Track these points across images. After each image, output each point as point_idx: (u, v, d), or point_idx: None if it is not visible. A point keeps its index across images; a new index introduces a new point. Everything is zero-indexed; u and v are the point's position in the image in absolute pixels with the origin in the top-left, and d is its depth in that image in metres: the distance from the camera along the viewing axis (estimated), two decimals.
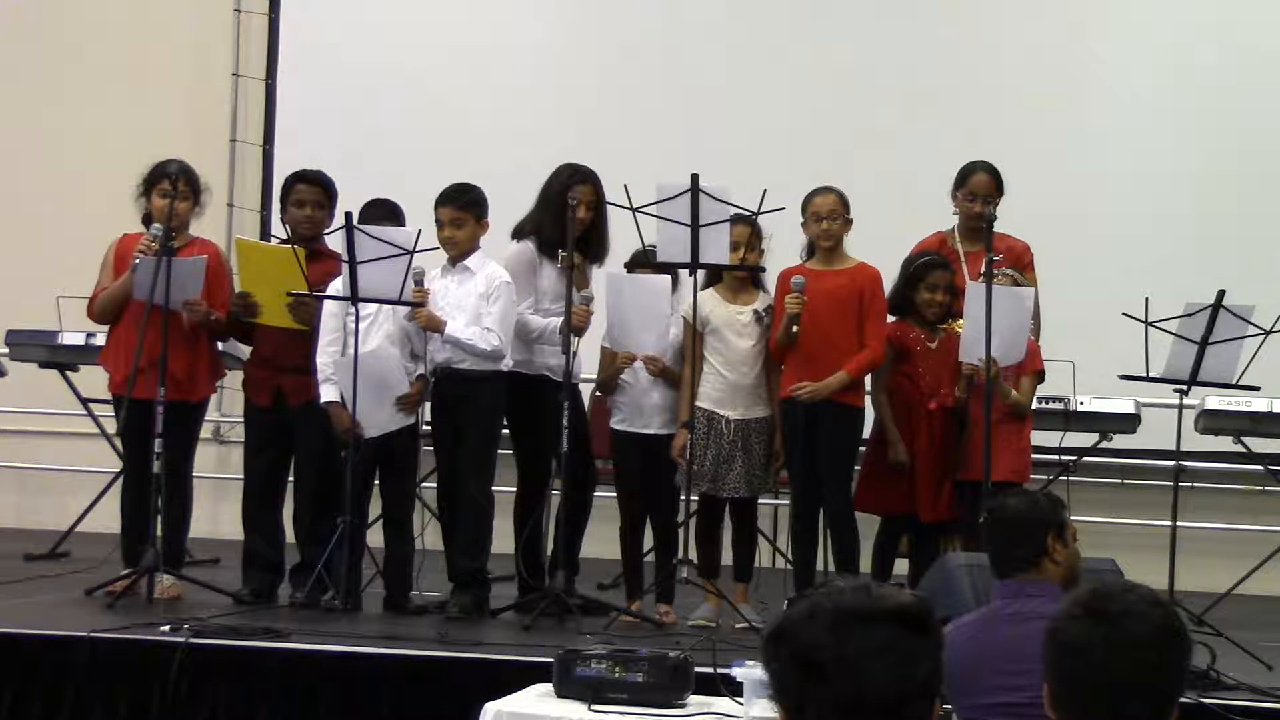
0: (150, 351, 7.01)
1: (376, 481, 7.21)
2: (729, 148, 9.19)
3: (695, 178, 6.93)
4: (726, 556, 7.36)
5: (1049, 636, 2.73)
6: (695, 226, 6.91)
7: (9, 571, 7.89)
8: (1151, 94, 9.40)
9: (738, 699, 4.92)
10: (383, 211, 7.34)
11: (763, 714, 4.70)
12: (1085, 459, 8.66)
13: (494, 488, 7.19)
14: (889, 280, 7.30)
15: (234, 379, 8.27)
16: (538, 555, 7.34)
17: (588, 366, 7.52)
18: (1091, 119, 9.48)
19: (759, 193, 6.85)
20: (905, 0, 9.80)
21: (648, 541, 7.46)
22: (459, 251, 7.15)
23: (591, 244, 7.32)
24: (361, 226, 6.89)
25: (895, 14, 9.74)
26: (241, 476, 7.56)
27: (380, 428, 7.02)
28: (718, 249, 6.99)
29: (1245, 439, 8.44)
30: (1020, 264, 7.33)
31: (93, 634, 6.09)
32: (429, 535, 7.60)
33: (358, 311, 6.98)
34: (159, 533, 7.00)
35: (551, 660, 5.13)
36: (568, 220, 7.05)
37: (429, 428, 7.45)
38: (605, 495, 7.62)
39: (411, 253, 6.81)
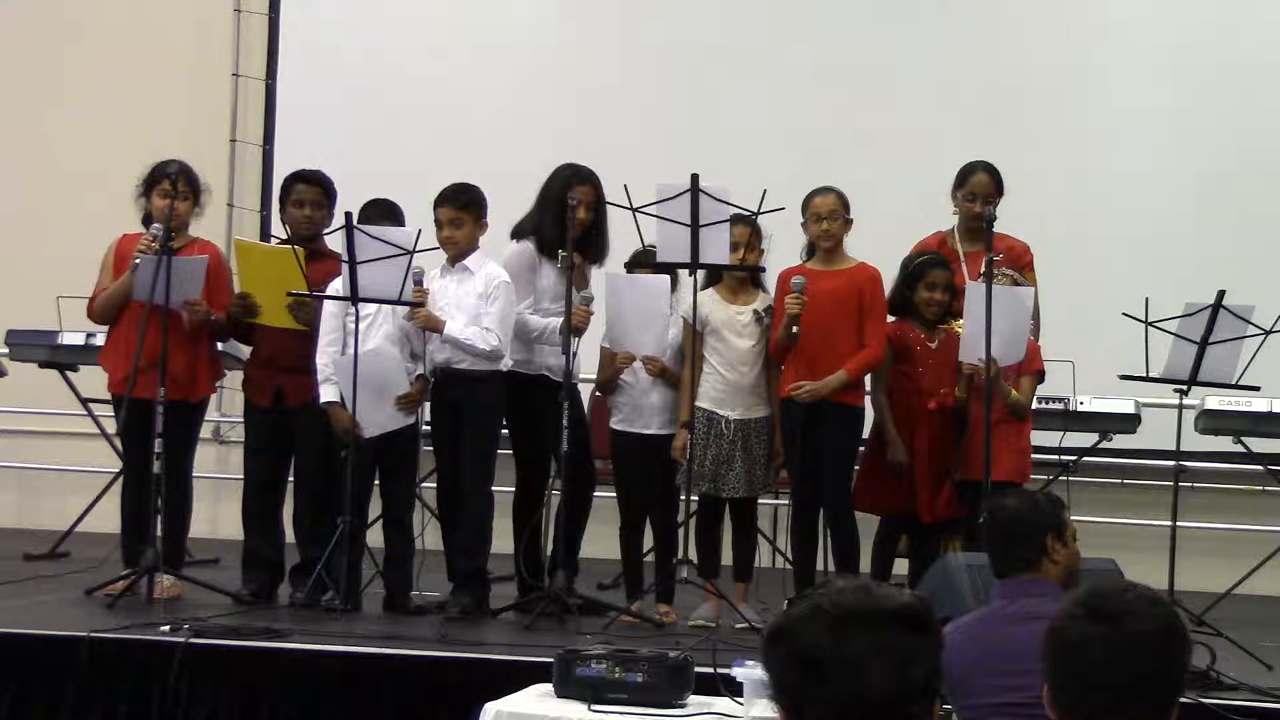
0: (150, 351, 7.01)
1: (376, 481, 7.21)
2: (729, 148, 9.19)
3: (695, 178, 6.93)
4: (726, 556, 7.36)
5: (1049, 636, 2.73)
6: (695, 226, 6.91)
7: (9, 571, 7.89)
8: (1151, 94, 9.40)
9: (738, 699, 4.92)
10: (382, 211, 7.34)
11: (763, 714, 4.70)
12: (1085, 459, 8.66)
13: (494, 488, 7.19)
14: (889, 280, 7.30)
15: (234, 379, 8.27)
16: (538, 555, 7.34)
17: (587, 366, 7.52)
18: (1091, 119, 9.47)
19: (759, 193, 6.85)
20: (905, 0, 9.80)
21: (648, 541, 7.47)
22: (458, 251, 7.15)
23: (591, 244, 7.32)
24: (361, 226, 6.89)
25: (895, 14, 9.74)
26: (241, 476, 7.56)
27: (380, 427, 7.01)
28: (717, 249, 6.99)
29: (1245, 439, 8.45)
30: (1020, 264, 7.33)
31: (93, 634, 6.08)
32: (429, 535, 7.59)
33: (357, 311, 6.98)
34: (159, 533, 7.00)
35: (551, 660, 5.13)
36: (567, 220, 7.05)
37: (429, 428, 7.46)
38: (605, 495, 7.62)
39: (411, 253, 6.81)
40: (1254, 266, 8.62)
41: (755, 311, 7.27)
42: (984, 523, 4.72)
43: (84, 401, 9.06)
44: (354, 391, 6.86)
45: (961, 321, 7.02)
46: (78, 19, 10.60)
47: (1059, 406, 8.36)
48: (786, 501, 7.78)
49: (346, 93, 10.06)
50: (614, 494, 7.51)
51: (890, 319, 7.30)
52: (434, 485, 7.47)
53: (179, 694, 5.91)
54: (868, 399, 7.35)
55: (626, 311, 7.11)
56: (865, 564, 7.22)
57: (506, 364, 7.12)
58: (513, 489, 7.36)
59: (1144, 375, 7.01)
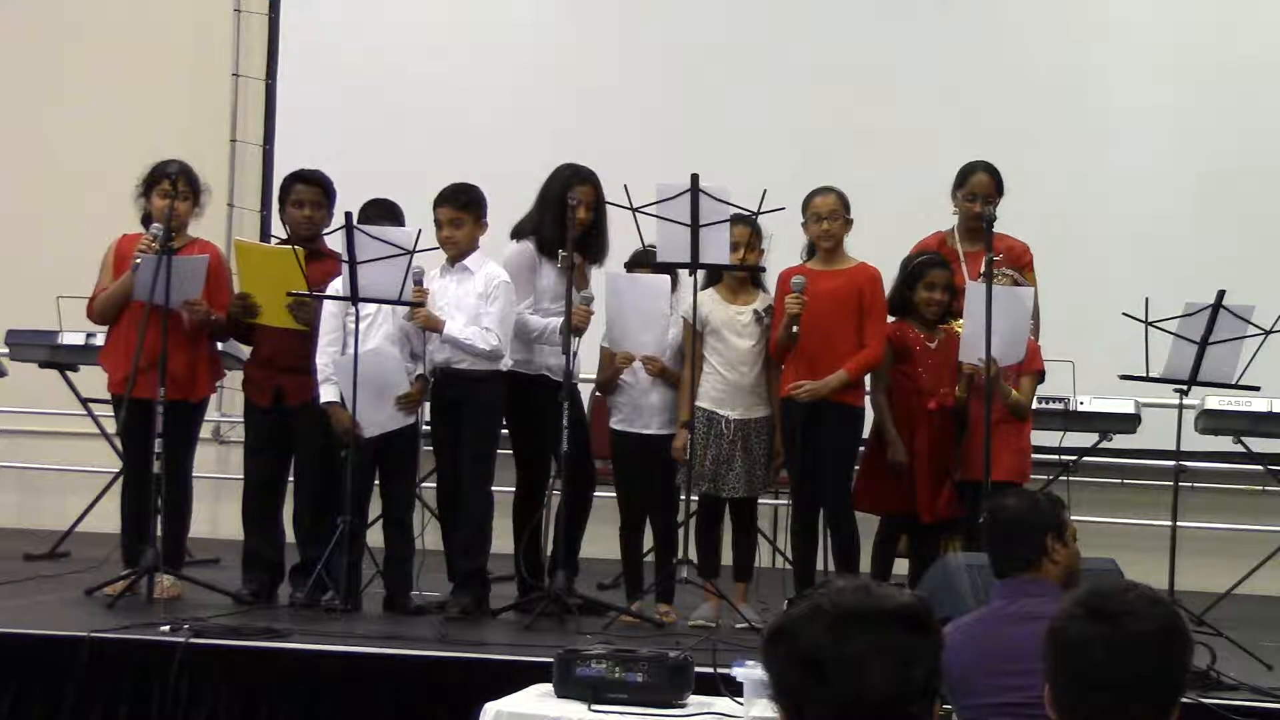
0: (150, 351, 7.01)
1: (376, 481, 7.21)
2: (729, 148, 9.19)
3: (695, 178, 6.93)
4: (726, 556, 7.36)
5: (1050, 636, 2.72)
6: (695, 226, 6.91)
7: (9, 571, 7.89)
8: (1151, 94, 9.40)
9: (738, 699, 4.92)
10: (381, 211, 7.34)
11: (763, 714, 4.70)
12: (1085, 459, 8.66)
13: (494, 488, 7.19)
14: (889, 280, 7.30)
15: (234, 379, 8.27)
16: (538, 555, 7.34)
17: (588, 366, 7.52)
18: (1091, 119, 9.47)
19: (759, 193, 6.85)
20: (905, 0, 9.80)
21: (648, 541, 7.47)
22: (458, 251, 7.15)
23: (591, 244, 7.32)
24: (361, 226, 6.89)
25: (895, 14, 9.74)
26: (241, 476, 7.56)
27: (380, 427, 7.01)
28: (717, 249, 6.99)
29: (1245, 439, 8.45)
30: (1020, 264, 7.33)
31: (93, 634, 6.08)
32: (429, 535, 7.59)
33: (357, 311, 6.98)
34: (159, 533, 7.00)
35: (551, 660, 5.13)
36: (567, 220, 7.05)
37: (429, 428, 7.46)
38: (605, 495, 7.62)
39: (411, 253, 6.81)
40: (1254, 266, 8.62)
41: (755, 311, 7.27)
42: (984, 523, 4.72)
43: (84, 401, 9.06)
44: (354, 391, 6.86)
45: (961, 321, 7.02)
46: (78, 19, 10.60)
47: (1059, 406, 8.36)
48: (786, 501, 7.78)
49: (346, 93, 10.06)
50: (614, 494, 7.51)
51: (890, 319, 7.30)
52: (434, 485, 7.47)
53: (179, 694, 5.90)
54: (868, 399, 7.35)
55: (626, 311, 7.11)
56: (865, 564, 7.22)
57: (506, 364, 7.12)
58: (513, 489, 7.36)
59: (1144, 375, 7.01)
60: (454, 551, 7.19)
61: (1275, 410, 8.18)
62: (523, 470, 7.35)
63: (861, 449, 7.35)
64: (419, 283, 6.93)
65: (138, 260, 7.09)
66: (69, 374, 9.14)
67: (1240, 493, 9.13)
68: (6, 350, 9.29)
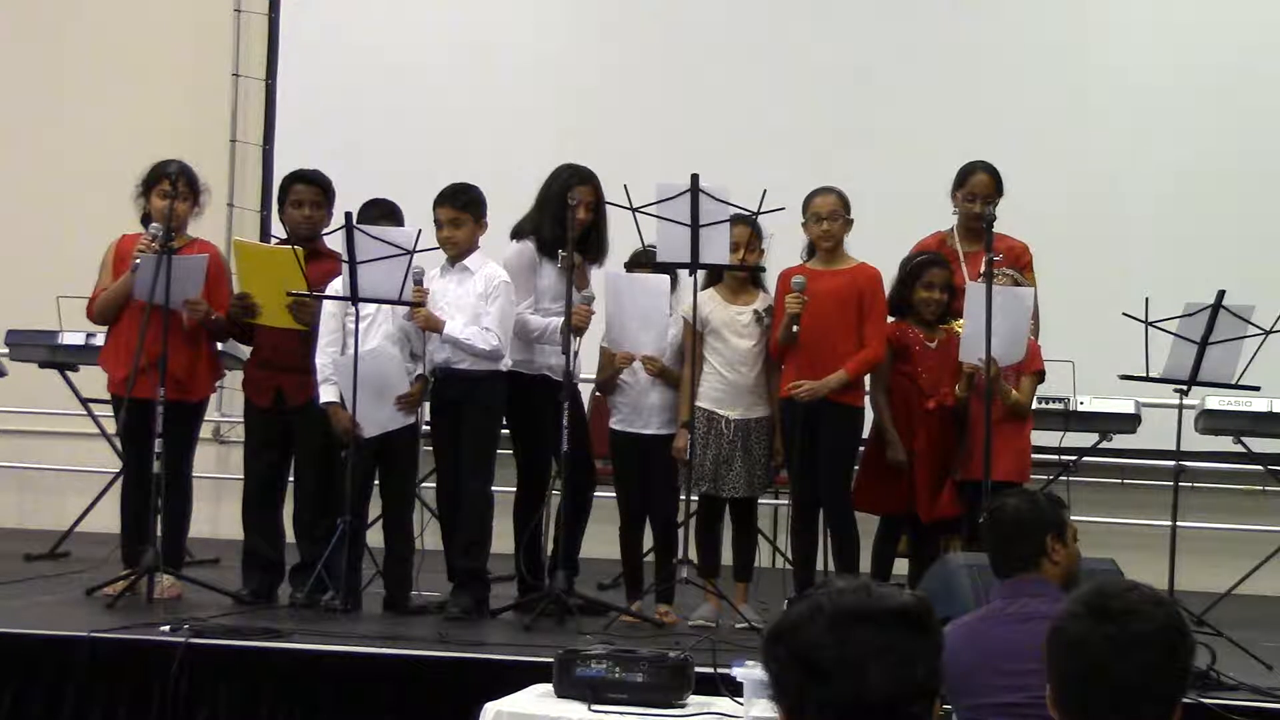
0: (150, 351, 7.01)
1: (376, 481, 7.21)
2: (729, 148, 9.19)
3: (695, 178, 6.93)
4: (726, 556, 7.36)
5: (1052, 636, 2.72)
6: (695, 226, 6.91)
7: (9, 571, 7.90)
8: (1152, 94, 9.40)
9: (738, 699, 4.93)
10: (382, 211, 7.34)
11: (763, 714, 4.70)
12: (1085, 459, 8.66)
13: (494, 488, 7.19)
14: (889, 281, 7.30)
15: (234, 379, 8.28)
16: (538, 555, 7.34)
17: (588, 366, 7.52)
18: (1091, 119, 9.47)
19: (759, 193, 6.85)
20: (905, 0, 9.79)
21: (648, 541, 7.47)
22: (458, 251, 7.15)
23: (591, 244, 7.32)
24: (361, 226, 6.89)
25: (895, 14, 9.74)
26: (241, 476, 7.56)
27: (380, 427, 7.01)
28: (718, 249, 6.99)
29: (1245, 439, 8.45)
30: (1019, 264, 7.33)
31: (93, 634, 6.09)
32: (429, 535, 7.60)
33: (357, 311, 6.98)
34: (159, 533, 7.00)
35: (551, 660, 5.13)
36: (567, 220, 7.05)
37: (429, 428, 7.46)
38: (605, 495, 7.62)
39: (411, 253, 6.80)
40: (1254, 266, 8.62)
41: (755, 311, 7.27)
42: (984, 523, 4.72)
43: (84, 401, 9.07)
44: (354, 391, 6.86)
45: (961, 321, 7.02)
46: (78, 19, 10.60)
47: (1059, 406, 8.36)
48: (786, 501, 7.78)
49: (346, 93, 10.06)
50: (614, 494, 7.51)
51: (890, 319, 7.30)
52: (434, 485, 7.47)
53: (179, 694, 5.90)
54: (867, 399, 7.35)
55: (626, 311, 7.11)
56: (865, 564, 7.22)
57: (507, 364, 7.12)
58: (513, 489, 7.36)
59: (1144, 375, 7.01)
60: (454, 551, 7.18)
61: (1275, 410, 8.18)
62: (523, 470, 7.35)
63: (861, 449, 7.35)
64: (418, 283, 6.93)
65: (137, 260, 7.10)
66: (69, 374, 9.14)
67: (1240, 493, 9.13)
68: (6, 350, 9.29)
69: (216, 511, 9.31)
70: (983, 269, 6.83)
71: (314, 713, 5.95)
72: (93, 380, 8.32)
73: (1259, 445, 8.48)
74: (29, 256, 10.15)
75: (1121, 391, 8.08)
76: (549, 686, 5.08)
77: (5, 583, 7.47)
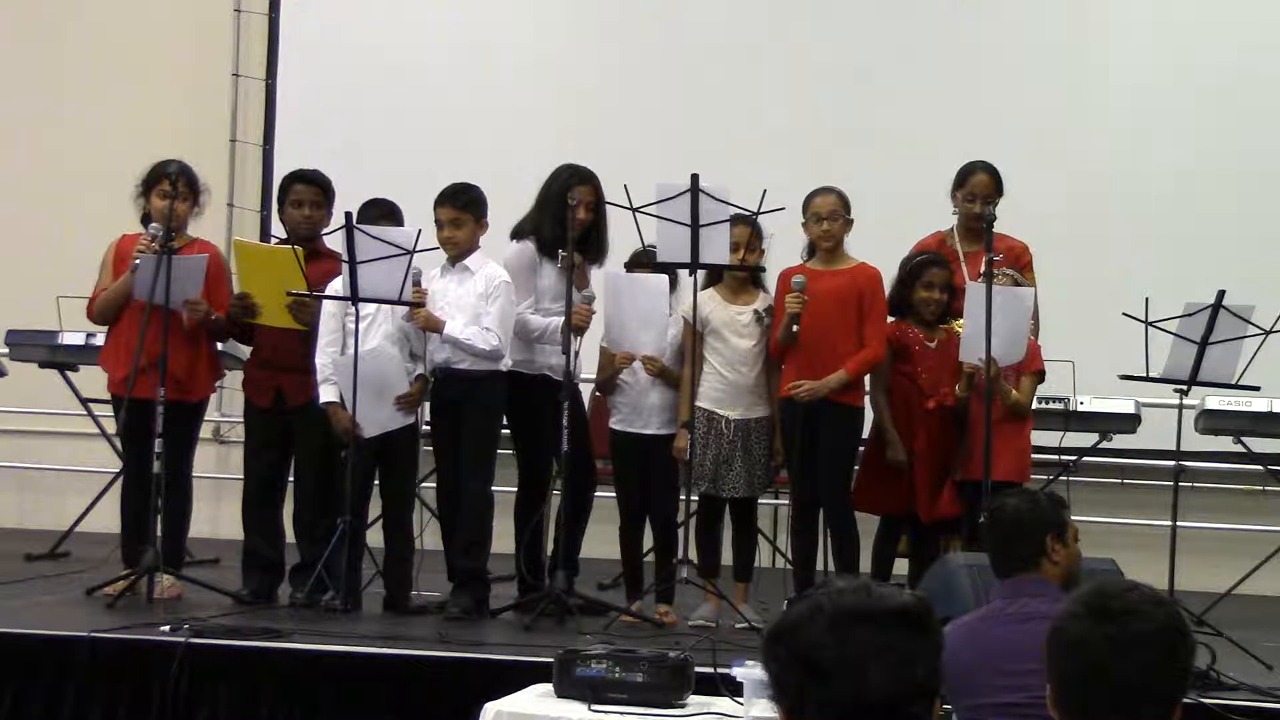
0: (150, 351, 7.01)
1: (376, 481, 7.21)
2: (729, 148, 9.18)
3: (695, 178, 6.93)
4: (726, 556, 7.36)
5: (1052, 636, 2.72)
6: (695, 226, 6.91)
7: (9, 571, 7.90)
8: (1152, 94, 9.40)
9: (738, 699, 4.93)
10: (382, 211, 7.34)
11: (763, 714, 4.70)
12: (1085, 459, 8.66)
13: (494, 488, 7.19)
14: (889, 281, 7.30)
15: (234, 379, 8.28)
16: (538, 555, 7.34)
17: (588, 366, 7.52)
18: (1091, 119, 9.47)
19: (759, 193, 6.85)
20: (905, 0, 9.79)
21: (648, 541, 7.47)
22: (458, 251, 7.15)
23: (591, 244, 7.32)
24: (361, 226, 6.89)
25: (895, 14, 9.74)
26: (241, 476, 7.56)
27: (380, 427, 7.01)
28: (718, 249, 6.99)
29: (1245, 439, 8.45)
30: (1019, 264, 7.33)
31: (93, 634, 6.09)
32: (429, 535, 7.60)
33: (357, 311, 6.98)
34: (159, 533, 7.00)
35: (551, 660, 5.13)
36: (567, 220, 7.05)
37: (429, 428, 7.46)
38: (605, 495, 7.62)
39: (411, 253, 6.80)
40: (1254, 266, 8.62)
41: (755, 311, 7.27)
42: (984, 523, 4.72)
43: (84, 401, 9.07)
44: (354, 391, 6.86)
45: (961, 321, 7.02)
46: (78, 19, 10.60)
47: (1059, 406, 8.36)
48: (786, 501, 7.78)
49: (346, 93, 10.06)
50: (614, 494, 7.51)
51: (890, 319, 7.30)
52: (434, 485, 7.47)
53: (179, 694, 5.90)
54: (867, 399, 7.35)
55: (626, 311, 7.11)
56: (865, 564, 7.22)
57: (507, 364, 7.12)
58: (513, 489, 7.36)
59: (1144, 375, 7.01)
60: (454, 551, 7.18)
61: (1275, 410, 8.18)
62: (523, 470, 7.35)
63: (861, 449, 7.35)
64: (418, 283, 6.93)
65: (137, 260, 7.10)
66: (69, 374, 9.14)
67: (1240, 493, 9.14)
68: (6, 350, 9.29)
69: (216, 511, 9.31)
70: (983, 269, 6.83)
71: (314, 713, 5.95)
72: (93, 380, 8.33)
73: (1259, 445, 8.48)
74: (29, 256, 10.15)
75: (1121, 391, 8.08)
76: (549, 686, 5.08)
77: (5, 583, 7.47)
